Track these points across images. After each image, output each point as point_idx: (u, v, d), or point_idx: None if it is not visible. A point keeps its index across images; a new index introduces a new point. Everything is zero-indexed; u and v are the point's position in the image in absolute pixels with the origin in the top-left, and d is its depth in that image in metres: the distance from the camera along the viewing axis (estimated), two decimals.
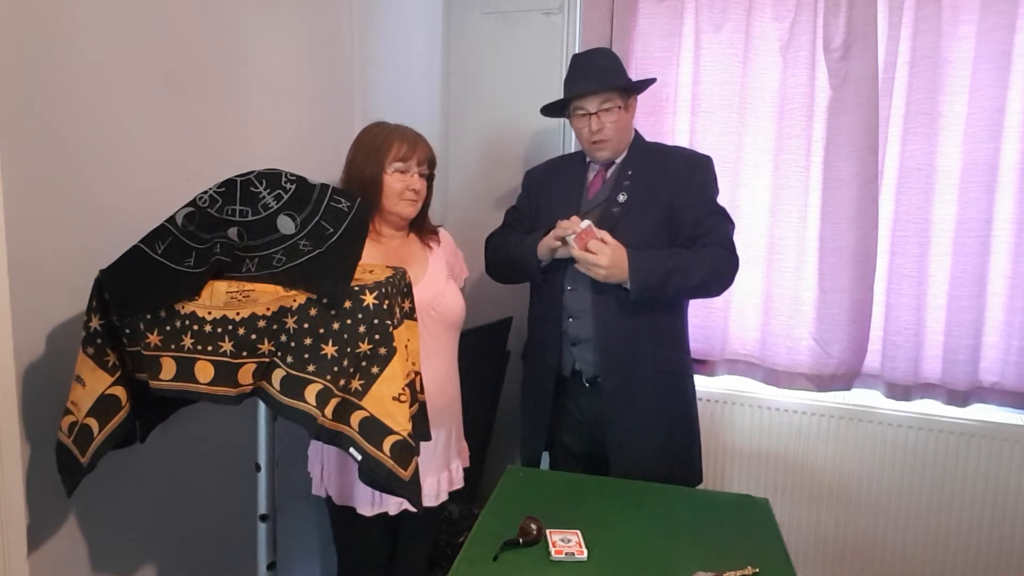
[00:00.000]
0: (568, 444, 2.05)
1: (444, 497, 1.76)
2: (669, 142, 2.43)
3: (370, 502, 1.67)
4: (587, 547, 1.40)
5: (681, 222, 1.89)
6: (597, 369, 1.92)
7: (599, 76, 1.93)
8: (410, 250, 1.77)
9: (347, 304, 1.25)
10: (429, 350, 1.62)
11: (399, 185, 1.67)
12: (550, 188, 2.05)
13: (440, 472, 1.75)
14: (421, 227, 1.81)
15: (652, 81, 2.04)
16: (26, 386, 1.26)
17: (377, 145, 1.68)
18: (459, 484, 1.80)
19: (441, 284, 1.75)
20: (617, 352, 1.90)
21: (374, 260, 1.59)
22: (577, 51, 2.59)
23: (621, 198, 1.91)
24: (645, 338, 1.91)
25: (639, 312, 1.87)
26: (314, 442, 1.76)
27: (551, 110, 2.05)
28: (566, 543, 1.41)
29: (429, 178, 1.75)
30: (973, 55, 2.24)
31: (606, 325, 1.89)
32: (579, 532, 1.45)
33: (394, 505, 1.67)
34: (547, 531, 1.44)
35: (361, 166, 1.68)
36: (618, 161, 1.98)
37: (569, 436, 2.04)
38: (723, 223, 1.93)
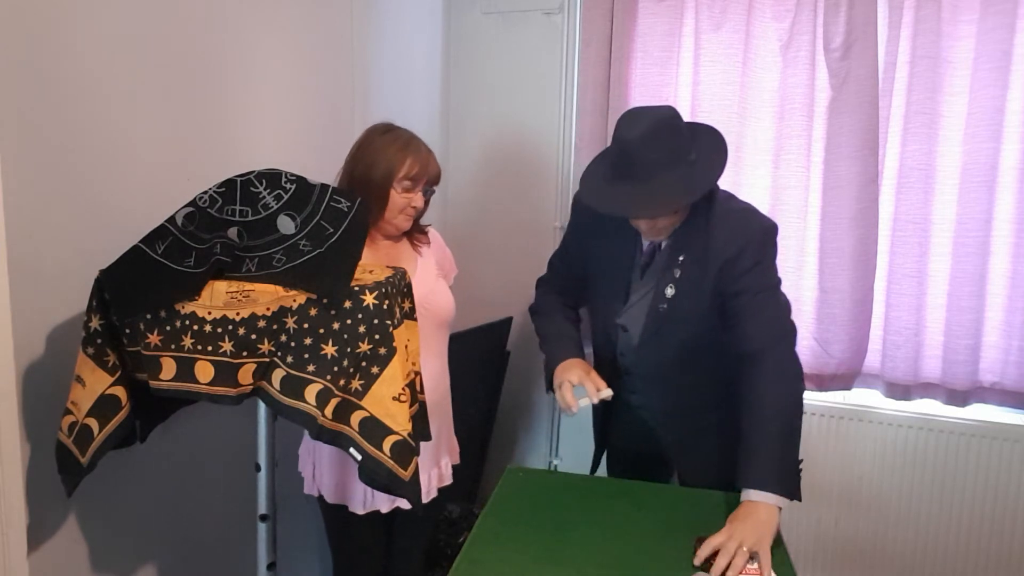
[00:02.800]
0: (624, 447, 1.97)
1: (434, 494, 1.76)
2: None
3: (362, 501, 1.68)
4: (583, 547, 1.39)
5: (726, 306, 1.62)
6: (656, 423, 1.83)
7: (650, 191, 1.52)
8: (399, 251, 1.77)
9: (347, 304, 1.25)
10: (421, 348, 1.62)
11: (403, 201, 1.67)
12: (600, 243, 1.77)
13: (430, 469, 1.75)
14: (411, 229, 1.81)
15: (719, 173, 1.57)
16: (26, 386, 1.27)
17: (390, 156, 1.64)
18: (448, 481, 1.81)
19: (431, 282, 1.75)
20: (680, 413, 1.77)
21: (364, 261, 1.59)
22: (578, 52, 2.59)
23: (669, 292, 1.65)
24: (708, 388, 1.73)
25: (699, 369, 1.70)
26: (305, 442, 1.76)
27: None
28: None
29: (430, 193, 1.75)
30: (973, 55, 2.24)
31: (665, 390, 1.77)
32: None
33: (385, 503, 1.67)
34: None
35: (368, 169, 1.65)
36: (670, 238, 1.66)
37: (625, 441, 1.95)
38: (768, 305, 1.60)
